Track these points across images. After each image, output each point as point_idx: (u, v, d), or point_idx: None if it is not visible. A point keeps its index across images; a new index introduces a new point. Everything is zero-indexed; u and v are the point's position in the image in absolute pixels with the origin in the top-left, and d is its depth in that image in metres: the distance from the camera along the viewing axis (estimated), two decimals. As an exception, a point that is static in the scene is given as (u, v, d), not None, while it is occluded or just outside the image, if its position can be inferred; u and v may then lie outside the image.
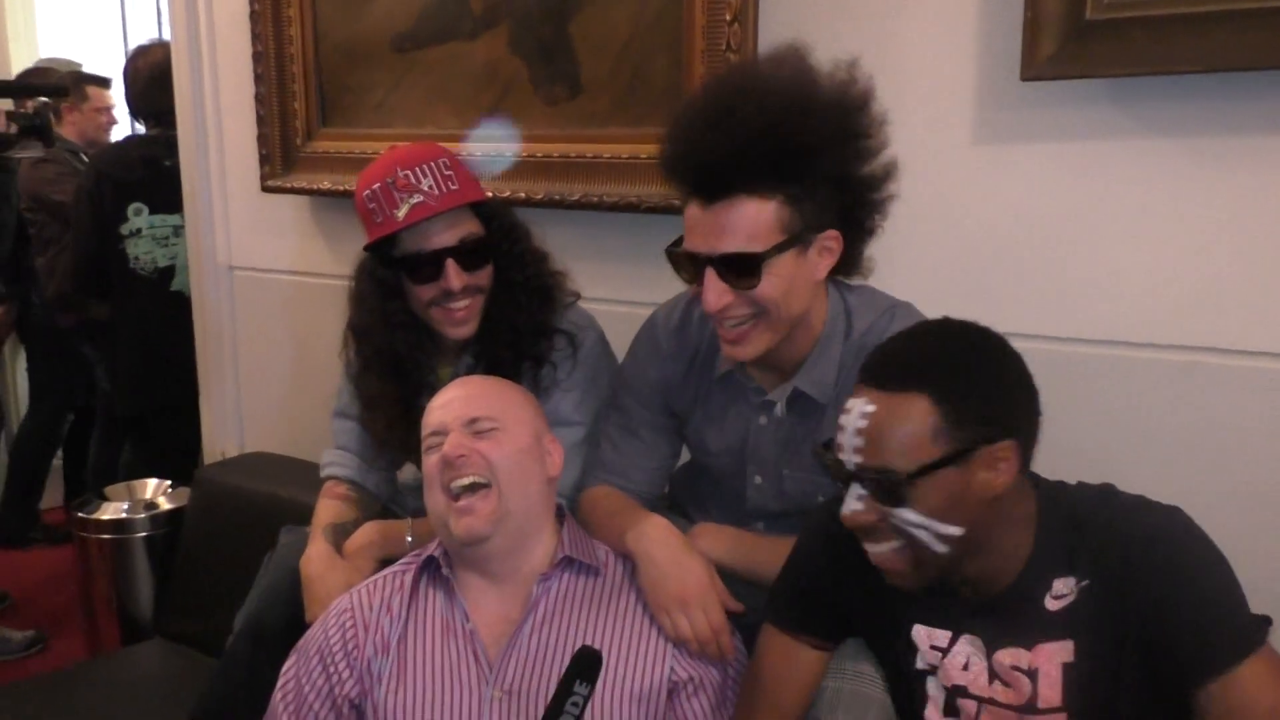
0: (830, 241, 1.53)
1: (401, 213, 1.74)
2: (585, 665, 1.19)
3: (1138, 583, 1.21)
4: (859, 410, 1.22)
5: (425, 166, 1.76)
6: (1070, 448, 1.72)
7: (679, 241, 1.53)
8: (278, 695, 1.56)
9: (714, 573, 1.52)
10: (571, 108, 2.24)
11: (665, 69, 2.08)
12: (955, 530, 1.21)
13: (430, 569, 1.57)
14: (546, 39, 2.23)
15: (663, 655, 1.49)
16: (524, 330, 1.83)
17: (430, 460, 1.51)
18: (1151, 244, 1.68)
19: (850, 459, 1.22)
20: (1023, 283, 1.79)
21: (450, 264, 1.77)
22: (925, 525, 1.20)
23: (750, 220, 1.45)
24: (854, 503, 1.23)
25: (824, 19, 1.90)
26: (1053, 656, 1.25)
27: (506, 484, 1.49)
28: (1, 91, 3.17)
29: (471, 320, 1.82)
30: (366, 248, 1.85)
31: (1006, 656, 1.28)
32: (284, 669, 1.59)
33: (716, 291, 1.48)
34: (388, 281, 1.85)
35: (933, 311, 1.67)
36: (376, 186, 1.77)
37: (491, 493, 1.48)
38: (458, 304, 1.80)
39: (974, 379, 1.21)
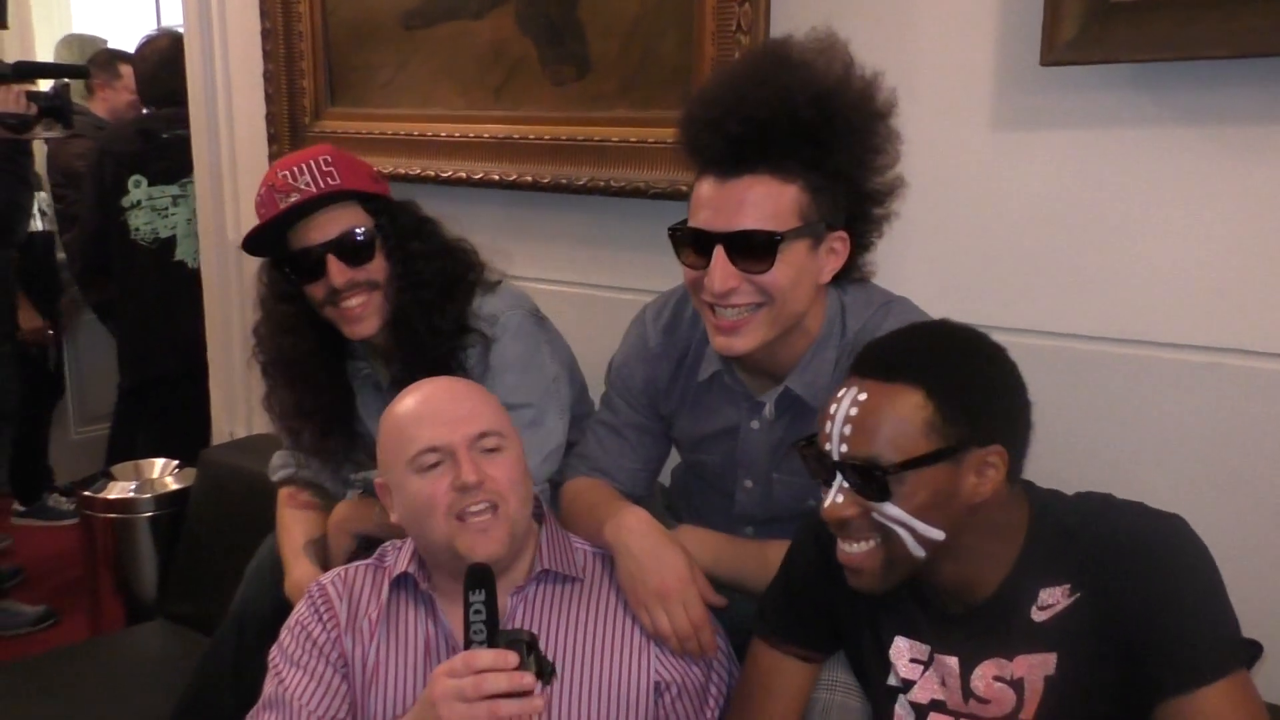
0: (837, 243, 1.48)
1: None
2: (475, 578, 1.21)
3: (1124, 588, 1.16)
4: (850, 398, 1.19)
5: (304, 164, 1.73)
6: (1085, 450, 1.67)
7: (683, 222, 1.48)
8: (271, 680, 1.49)
9: (694, 565, 1.47)
10: (579, 88, 2.19)
11: (675, 49, 2.03)
12: (936, 534, 1.18)
13: (406, 585, 1.50)
14: (555, 18, 2.19)
15: (646, 655, 1.45)
16: (427, 333, 1.76)
17: (435, 484, 1.39)
18: (1174, 237, 1.61)
19: (836, 449, 1.19)
20: (1039, 276, 1.73)
21: (331, 259, 1.72)
22: (907, 524, 1.17)
23: (771, 199, 1.40)
24: (836, 495, 1.20)
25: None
26: (1034, 669, 1.21)
27: (516, 507, 1.42)
28: (22, 73, 3.18)
29: (369, 317, 1.76)
30: (244, 246, 1.79)
31: (989, 669, 1.23)
32: (270, 654, 1.52)
33: (724, 273, 1.41)
34: (277, 285, 1.82)
35: (945, 305, 1.61)
36: (262, 191, 1.75)
37: (501, 514, 1.40)
38: (349, 301, 1.74)
39: (969, 379, 1.18)
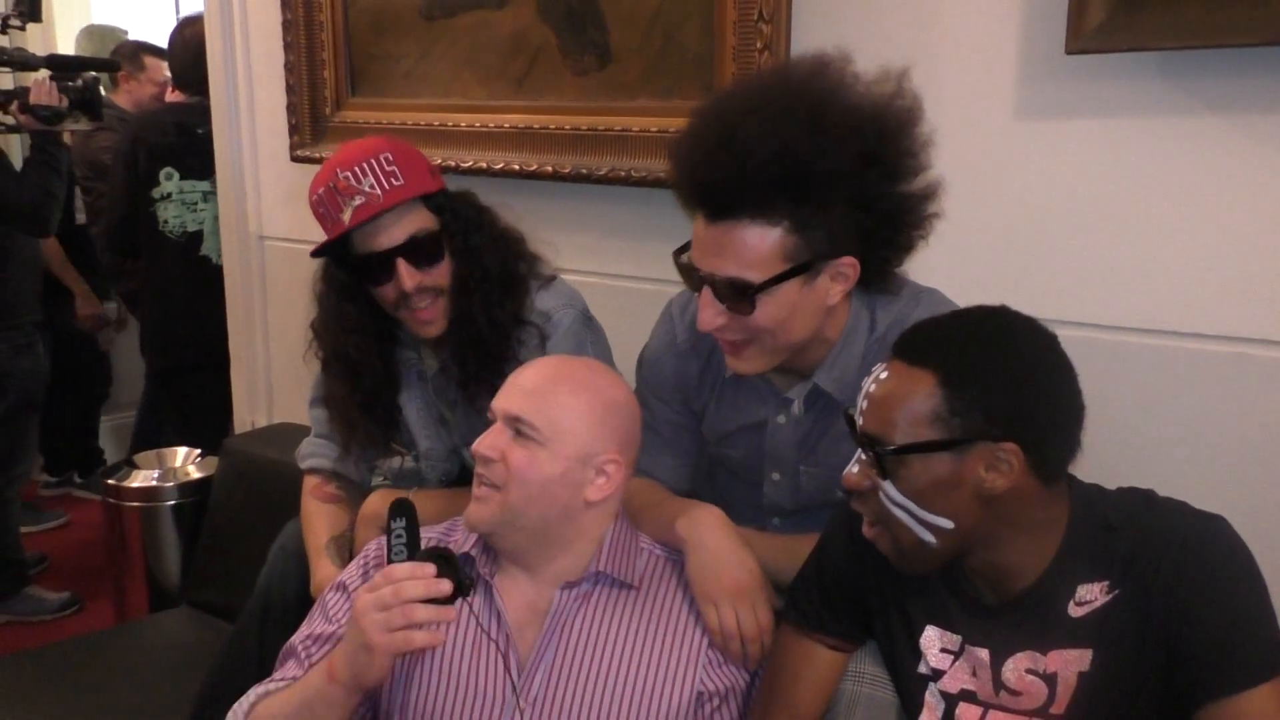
0: (845, 268, 1.43)
1: (346, 216, 1.68)
2: (397, 509, 1.29)
3: (1165, 589, 1.15)
4: (875, 374, 1.23)
5: (366, 165, 1.68)
6: (1110, 441, 1.66)
7: (687, 246, 1.47)
8: (299, 635, 1.49)
9: (763, 571, 1.46)
10: (601, 78, 2.19)
11: (696, 38, 2.02)
12: (943, 522, 1.18)
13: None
14: (575, 7, 2.19)
15: (693, 666, 1.43)
16: (487, 326, 1.75)
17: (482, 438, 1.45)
18: (1201, 227, 1.60)
19: (858, 420, 1.24)
20: (1064, 267, 1.72)
21: (401, 264, 1.70)
22: (907, 508, 1.19)
23: (750, 247, 1.37)
24: (854, 464, 1.24)
25: (860, -13, 1.83)
26: (1069, 664, 1.20)
27: (519, 499, 1.40)
28: (56, 65, 3.21)
29: (439, 319, 1.76)
30: (314, 254, 1.79)
31: (1022, 661, 1.23)
32: (324, 595, 1.53)
33: (711, 312, 1.42)
34: (343, 284, 1.80)
35: (967, 295, 1.60)
36: (321, 191, 1.71)
37: (498, 497, 1.40)
38: (419, 304, 1.73)
39: (989, 373, 1.17)
